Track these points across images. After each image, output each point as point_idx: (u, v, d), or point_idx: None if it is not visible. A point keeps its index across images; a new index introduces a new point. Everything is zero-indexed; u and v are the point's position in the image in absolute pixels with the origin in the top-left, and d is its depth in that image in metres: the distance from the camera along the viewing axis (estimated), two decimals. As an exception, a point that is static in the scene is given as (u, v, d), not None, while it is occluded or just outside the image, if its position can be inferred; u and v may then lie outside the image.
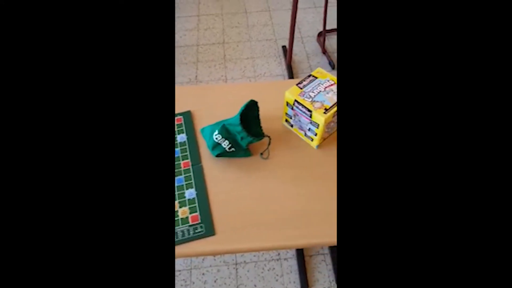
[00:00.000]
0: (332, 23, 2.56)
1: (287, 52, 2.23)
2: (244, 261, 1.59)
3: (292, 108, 0.91)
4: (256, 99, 0.89)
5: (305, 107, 0.86)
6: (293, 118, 0.93)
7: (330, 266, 1.58)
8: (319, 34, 2.45)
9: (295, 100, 0.87)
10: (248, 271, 1.56)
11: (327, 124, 0.87)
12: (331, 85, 0.90)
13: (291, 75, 2.21)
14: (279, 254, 1.62)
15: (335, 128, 0.96)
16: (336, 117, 0.89)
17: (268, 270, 1.57)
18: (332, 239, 0.79)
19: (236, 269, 1.57)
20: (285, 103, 0.92)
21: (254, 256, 1.61)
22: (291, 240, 0.79)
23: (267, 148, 0.93)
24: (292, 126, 0.97)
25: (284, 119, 0.98)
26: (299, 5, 2.71)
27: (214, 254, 0.79)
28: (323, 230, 0.80)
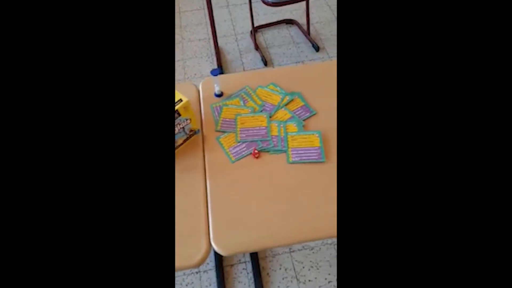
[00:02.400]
0: (265, 19, 2.47)
1: (215, 52, 2.15)
2: (162, 277, 1.52)
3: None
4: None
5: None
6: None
7: (251, 275, 1.51)
8: (252, 31, 2.36)
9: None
10: None
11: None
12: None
13: (220, 75, 2.12)
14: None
15: (180, 141, 0.88)
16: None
17: (187, 285, 1.50)
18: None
19: None
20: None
21: (173, 270, 1.53)
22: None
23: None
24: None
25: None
26: (234, 1, 2.62)
27: None
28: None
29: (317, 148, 0.88)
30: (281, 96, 1.00)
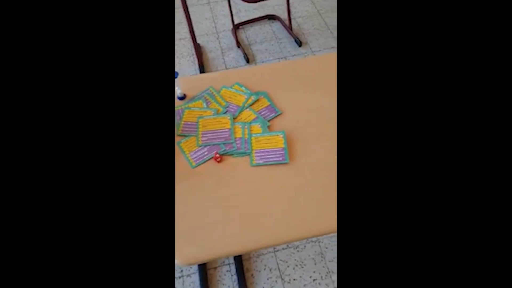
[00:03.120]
0: (247, 15, 2.43)
1: (195, 51, 2.12)
2: (145, 283, 1.50)
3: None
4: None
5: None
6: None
7: (235, 277, 1.49)
8: (233, 28, 2.33)
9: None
10: (148, 293, 1.47)
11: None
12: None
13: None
14: (182, 271, 1.53)
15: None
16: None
17: (170, 290, 1.48)
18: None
19: (136, 292, 1.48)
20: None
21: (156, 275, 1.51)
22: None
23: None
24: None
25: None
26: (215, -2, 2.58)
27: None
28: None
29: (281, 149, 0.85)
30: (246, 96, 0.97)
